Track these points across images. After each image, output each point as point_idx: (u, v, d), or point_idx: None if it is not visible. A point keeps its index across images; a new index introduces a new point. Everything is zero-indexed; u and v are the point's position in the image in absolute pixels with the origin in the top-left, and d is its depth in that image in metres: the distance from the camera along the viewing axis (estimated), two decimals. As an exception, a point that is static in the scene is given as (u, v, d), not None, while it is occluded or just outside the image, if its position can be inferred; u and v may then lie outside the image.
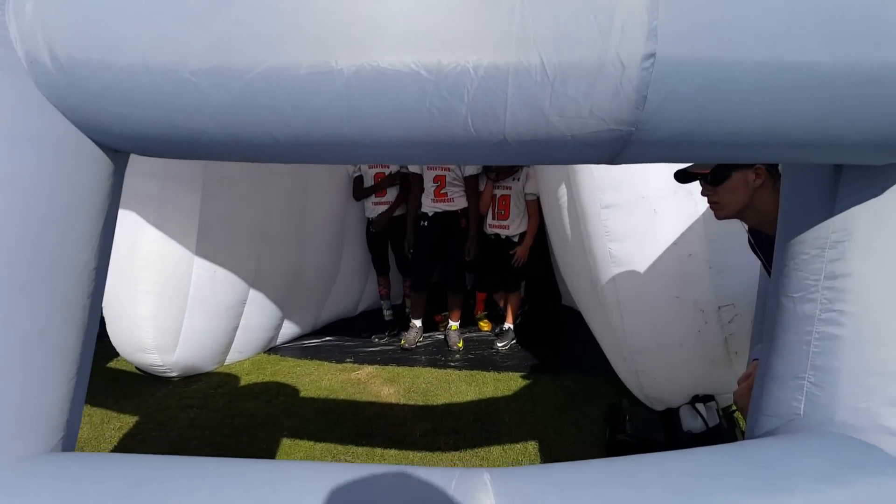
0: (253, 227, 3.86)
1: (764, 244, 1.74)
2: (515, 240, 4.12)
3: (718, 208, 1.66)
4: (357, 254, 4.77)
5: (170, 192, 3.39)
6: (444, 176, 4.02)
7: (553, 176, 3.32)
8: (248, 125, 0.95)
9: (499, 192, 4.07)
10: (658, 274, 2.60)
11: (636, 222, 2.60)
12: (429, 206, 4.07)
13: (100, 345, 4.08)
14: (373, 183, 4.33)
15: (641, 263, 2.63)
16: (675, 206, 2.58)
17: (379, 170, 4.32)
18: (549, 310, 5.11)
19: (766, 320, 1.31)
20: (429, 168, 3.99)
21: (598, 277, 2.82)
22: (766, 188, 1.60)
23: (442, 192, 4.02)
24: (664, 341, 2.70)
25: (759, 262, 1.88)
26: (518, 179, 4.01)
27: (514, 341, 4.32)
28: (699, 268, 2.55)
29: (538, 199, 3.96)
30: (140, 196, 3.38)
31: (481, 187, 4.19)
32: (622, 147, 0.98)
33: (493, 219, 4.14)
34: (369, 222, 4.49)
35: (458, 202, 4.07)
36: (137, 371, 3.91)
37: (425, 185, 4.05)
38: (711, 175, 1.63)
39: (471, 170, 3.99)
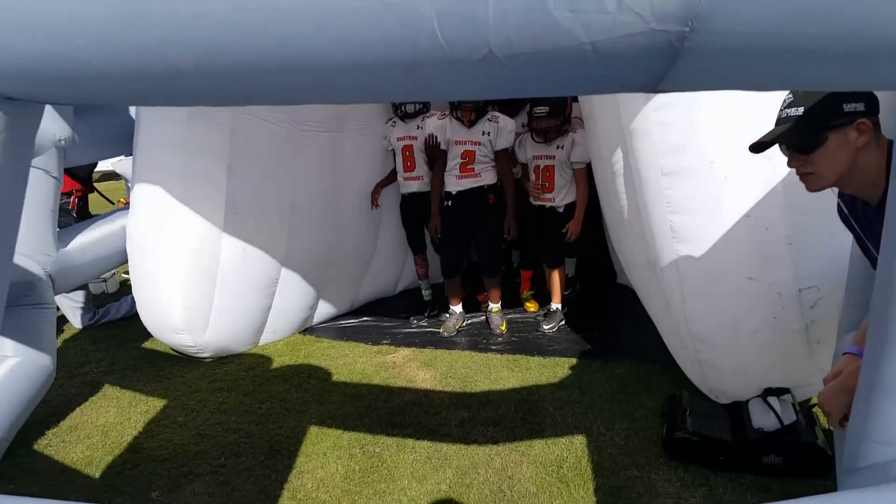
0: (283, 203, 3.88)
1: (859, 213, 1.53)
2: (561, 210, 4.03)
3: (814, 180, 1.45)
4: (395, 230, 4.71)
5: (195, 167, 3.42)
6: (474, 152, 3.89)
7: (606, 140, 3.14)
8: (136, 49, 0.75)
9: (541, 163, 3.97)
10: (728, 251, 2.43)
11: (703, 191, 2.44)
12: (453, 183, 3.97)
13: (130, 325, 4.19)
14: (401, 156, 4.27)
15: (708, 239, 2.47)
16: (749, 172, 2.38)
17: (407, 142, 4.23)
18: (602, 289, 4.98)
19: (873, 312, 1.10)
20: (456, 142, 3.87)
21: (658, 255, 2.68)
22: (871, 146, 1.39)
23: (469, 167, 3.90)
24: (733, 328, 2.53)
25: (850, 236, 1.67)
26: (562, 147, 3.90)
27: (563, 322, 4.22)
28: (777, 244, 2.38)
29: (586, 166, 3.88)
30: (164, 171, 3.41)
31: (521, 158, 4.09)
32: (671, 60, 0.70)
33: (538, 190, 4.05)
34: (403, 198, 4.45)
35: (486, 177, 3.96)
36: (172, 352, 3.97)
37: (449, 161, 3.94)
38: (799, 143, 1.41)
39: (502, 143, 3.88)
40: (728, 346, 2.58)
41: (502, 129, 3.85)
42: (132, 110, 4.11)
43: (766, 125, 2.33)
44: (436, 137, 4.02)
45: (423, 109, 4.19)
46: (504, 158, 3.96)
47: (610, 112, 2.97)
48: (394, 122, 4.33)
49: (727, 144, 2.38)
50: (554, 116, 3.80)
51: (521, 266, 4.78)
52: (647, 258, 2.87)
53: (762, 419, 2.50)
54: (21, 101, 0.95)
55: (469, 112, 3.80)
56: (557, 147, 3.93)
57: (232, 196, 3.56)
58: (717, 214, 2.44)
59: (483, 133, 3.86)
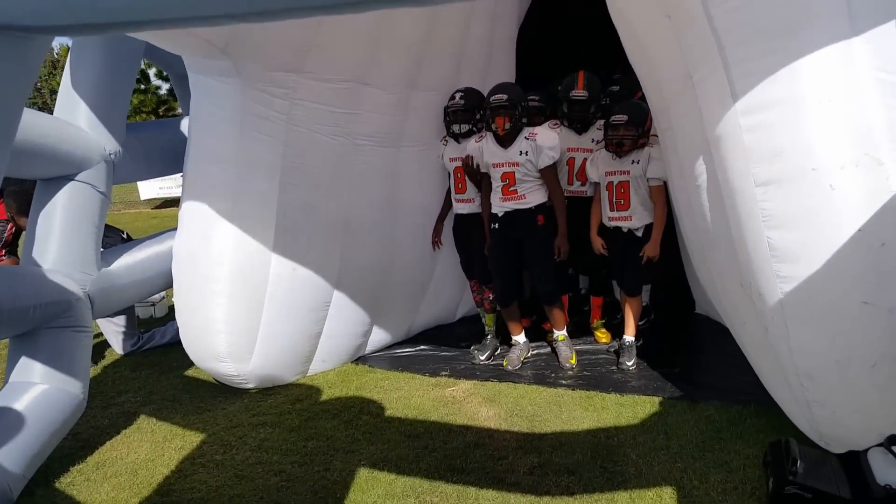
0: (336, 220, 3.95)
1: None
2: (639, 234, 4.01)
3: None
4: (454, 252, 4.72)
5: (246, 181, 3.51)
6: (513, 173, 3.92)
7: (687, 151, 3.08)
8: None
9: (615, 179, 3.99)
10: (838, 271, 2.32)
11: (805, 203, 2.35)
12: (498, 205, 4.02)
13: (174, 352, 4.25)
14: (453, 177, 4.37)
15: (814, 257, 2.36)
16: (858, 180, 2.28)
17: (458, 163, 4.29)
18: (681, 319, 4.89)
19: None
20: (494, 165, 3.94)
21: (754, 277, 2.56)
22: None
23: (511, 189, 3.94)
24: (848, 362, 2.39)
25: None
26: (637, 162, 3.91)
27: (637, 357, 4.11)
28: (895, 262, 2.25)
29: (664, 184, 3.90)
30: (214, 185, 3.52)
31: (594, 177, 4.10)
32: None
33: (612, 209, 4.05)
34: (456, 220, 4.53)
35: (533, 198, 3.96)
36: (213, 381, 4.01)
37: (493, 183, 4.01)
38: None
39: (545, 160, 3.86)
40: (842, 383, 2.43)
41: (541, 147, 3.86)
42: (184, 127, 4.27)
43: (877, 125, 2.27)
44: (473, 160, 4.12)
45: (472, 130, 4.25)
46: (551, 176, 3.98)
47: (690, 120, 2.92)
48: (446, 140, 4.43)
49: (831, 148, 2.30)
50: (633, 126, 3.83)
51: (591, 292, 4.73)
52: (739, 281, 2.75)
53: (888, 473, 2.30)
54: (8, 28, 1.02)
55: (502, 122, 3.81)
56: (633, 162, 3.93)
57: (283, 212, 3.62)
58: (822, 229, 2.33)
59: (521, 153, 3.89)
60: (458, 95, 4.21)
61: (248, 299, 3.58)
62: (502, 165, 3.95)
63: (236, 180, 3.50)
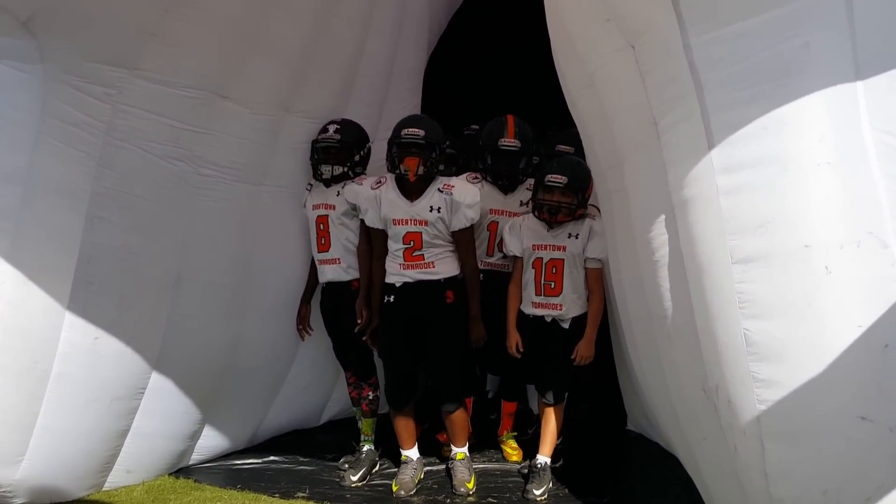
0: (165, 275, 3.82)
1: None
2: (566, 325, 4.08)
3: None
4: (323, 333, 4.67)
5: (35, 208, 3.35)
6: (420, 234, 3.90)
7: (645, 216, 3.15)
8: None
9: (546, 255, 4.03)
10: (831, 376, 2.35)
11: (794, 287, 2.41)
12: (396, 273, 3.97)
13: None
14: (314, 230, 4.37)
15: (802, 357, 2.40)
16: (860, 263, 2.36)
17: (322, 211, 4.33)
18: (610, 437, 4.95)
19: None
20: (395, 221, 3.93)
21: (723, 379, 2.59)
22: None
23: (416, 253, 3.93)
24: (838, 493, 2.38)
25: None
26: (576, 237, 3.99)
27: (551, 484, 4.07)
28: None
29: (602, 266, 4.03)
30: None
31: (514, 249, 4.14)
32: None
33: (538, 293, 4.07)
34: (324, 290, 4.49)
35: (442, 267, 3.95)
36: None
37: (391, 244, 3.99)
38: None
39: (460, 221, 3.91)
40: (832, 521, 2.45)
41: (458, 204, 3.86)
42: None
43: (883, 198, 2.33)
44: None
45: (347, 175, 4.27)
46: (466, 241, 4.00)
47: (651, 177, 3.01)
48: (310, 185, 4.44)
49: (828, 222, 2.38)
50: (572, 191, 3.87)
51: (501, 396, 4.71)
52: (702, 384, 2.78)
53: None
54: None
55: (415, 165, 3.80)
56: (570, 236, 3.99)
57: (88, 257, 3.47)
58: (814, 322, 2.39)
59: (431, 209, 3.87)
60: (332, 128, 4.21)
61: (23, 377, 3.36)
62: (406, 223, 3.91)
63: (21, 206, 3.31)
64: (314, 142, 4.25)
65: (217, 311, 4.07)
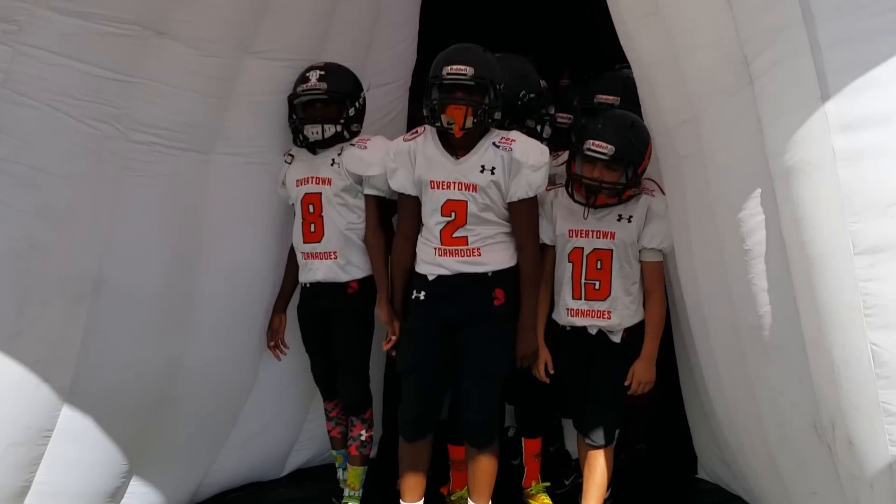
0: (81, 277, 3.74)
1: None
2: (616, 339, 4.00)
3: None
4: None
5: None
6: (465, 202, 3.83)
7: (731, 190, 3.16)
8: None
9: (587, 246, 3.97)
10: None
11: None
12: (430, 260, 3.94)
13: None
14: (300, 214, 4.36)
15: None
16: None
17: (312, 187, 4.30)
18: (675, 487, 4.94)
19: None
20: (433, 184, 3.89)
21: (841, 412, 2.62)
22: None
23: (457, 235, 3.83)
24: None
25: None
26: (629, 220, 3.92)
27: None
28: None
29: (663, 259, 4.03)
30: None
31: (545, 237, 4.13)
32: None
33: (577, 296, 4.01)
34: (303, 293, 4.48)
35: (492, 257, 3.88)
36: None
37: (426, 220, 3.96)
38: None
39: (521, 187, 3.84)
40: None
41: (519, 163, 3.77)
42: None
43: None
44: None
45: (342, 136, 4.22)
46: (526, 218, 3.92)
47: (739, 137, 3.00)
48: (289, 156, 4.41)
49: None
50: (621, 164, 3.78)
51: (522, 433, 4.68)
52: (812, 419, 2.84)
53: None
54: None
55: (461, 115, 3.71)
56: (620, 218, 3.92)
57: None
58: None
59: (482, 169, 3.79)
60: (314, 75, 4.15)
61: None
62: (447, 187, 3.85)
63: None
64: (291, 97, 4.20)
65: (150, 325, 3.98)
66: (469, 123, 3.70)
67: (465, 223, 3.83)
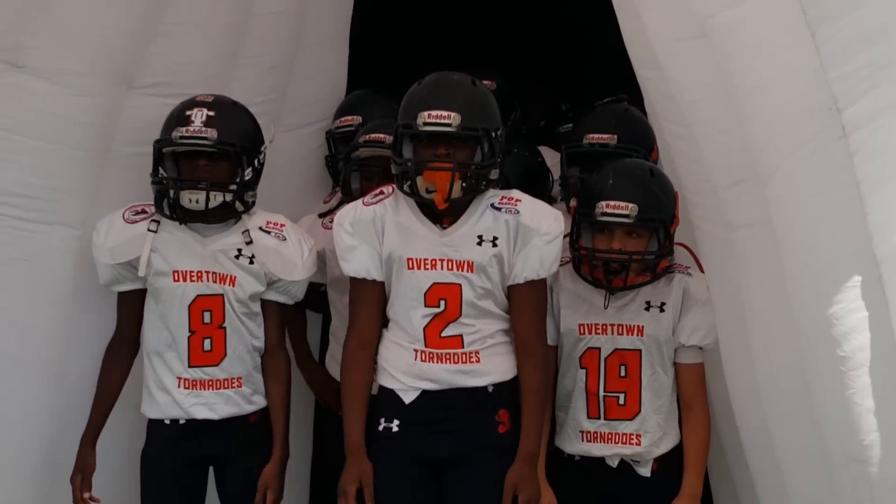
0: None
1: None
2: (645, 473, 3.54)
3: None
4: None
5: None
6: (458, 287, 3.32)
7: (818, 271, 2.74)
8: None
9: (608, 344, 3.51)
10: None
11: None
12: (407, 372, 3.38)
13: None
14: (186, 320, 3.70)
15: None
16: None
17: (208, 287, 3.71)
18: None
19: None
20: (412, 263, 3.36)
21: None
22: None
23: (448, 333, 3.34)
24: None
25: None
26: (662, 309, 3.48)
27: None
28: None
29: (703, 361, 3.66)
30: None
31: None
32: None
33: (594, 414, 3.55)
34: (164, 431, 3.75)
35: (494, 365, 3.36)
36: None
37: (397, 316, 3.44)
38: None
39: (533, 266, 3.34)
40: None
41: (529, 231, 3.27)
42: None
43: None
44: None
45: (230, 207, 3.58)
46: (533, 306, 3.40)
47: (828, 204, 2.63)
48: (154, 223, 3.66)
49: None
50: (648, 227, 3.38)
51: None
52: None
53: None
54: None
55: (446, 182, 3.17)
56: (649, 307, 3.47)
57: None
58: None
59: (480, 240, 3.27)
60: (198, 115, 3.47)
61: None
62: (432, 266, 3.34)
63: None
64: (159, 142, 3.46)
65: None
66: (457, 191, 3.18)
67: (459, 316, 3.31)
